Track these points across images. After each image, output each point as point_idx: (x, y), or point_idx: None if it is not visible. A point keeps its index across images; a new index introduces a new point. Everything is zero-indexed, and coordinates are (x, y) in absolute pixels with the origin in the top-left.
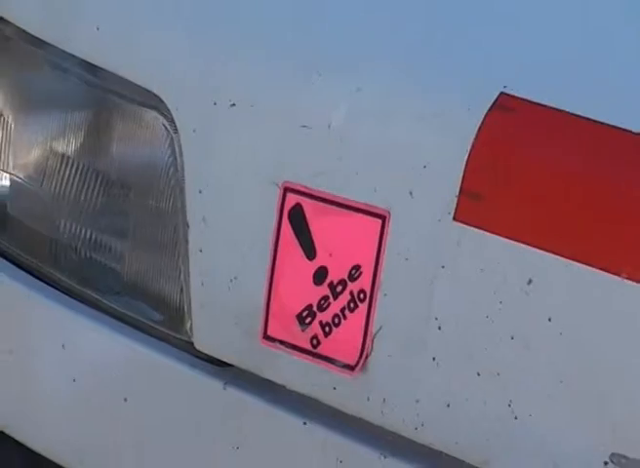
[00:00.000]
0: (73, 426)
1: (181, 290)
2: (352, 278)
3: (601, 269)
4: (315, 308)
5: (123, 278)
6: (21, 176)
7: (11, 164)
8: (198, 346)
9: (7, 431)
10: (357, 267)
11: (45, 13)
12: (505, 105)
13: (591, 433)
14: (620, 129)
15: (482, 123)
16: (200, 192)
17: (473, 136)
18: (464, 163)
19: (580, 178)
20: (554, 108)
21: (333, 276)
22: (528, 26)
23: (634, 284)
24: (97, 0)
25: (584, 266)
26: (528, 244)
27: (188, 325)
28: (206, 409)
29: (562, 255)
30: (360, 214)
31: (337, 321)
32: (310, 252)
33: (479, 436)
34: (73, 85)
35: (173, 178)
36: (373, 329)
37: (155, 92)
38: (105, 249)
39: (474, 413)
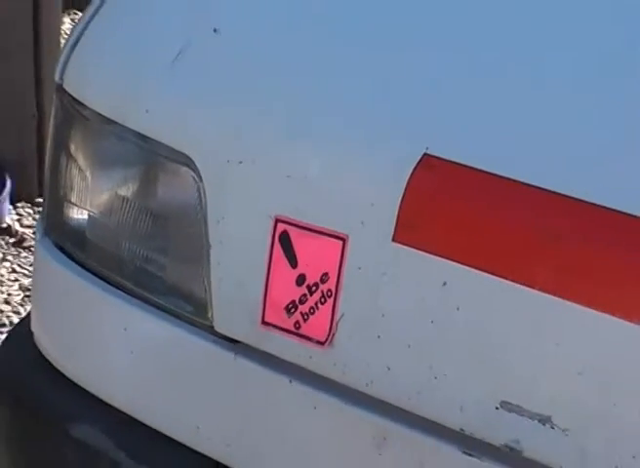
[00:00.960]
0: (131, 383)
1: (205, 290)
2: (323, 281)
3: (490, 273)
4: (297, 302)
5: (166, 282)
6: (96, 212)
7: (89, 203)
8: (217, 329)
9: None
10: (326, 274)
11: (111, 100)
12: (427, 164)
13: (486, 385)
14: (517, 181)
15: (410, 177)
16: (218, 222)
17: (405, 185)
18: (399, 204)
19: (479, 219)
20: (467, 166)
21: (309, 280)
22: (447, 93)
23: (510, 283)
24: (146, 92)
25: (480, 272)
26: (442, 257)
27: (210, 314)
28: (223, 373)
29: (467, 265)
30: (328, 237)
31: (312, 311)
32: (294, 263)
33: (413, 389)
34: (131, 149)
35: (199, 213)
36: (337, 316)
37: (187, 154)
38: (154, 262)
39: (407, 374)
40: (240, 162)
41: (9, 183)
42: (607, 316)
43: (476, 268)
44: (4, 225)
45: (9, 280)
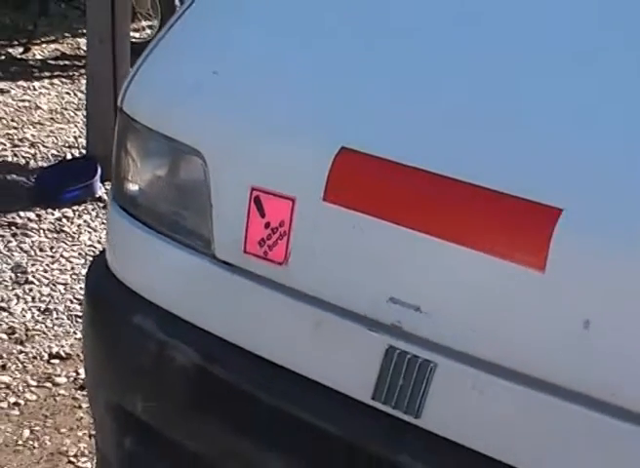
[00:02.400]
0: (167, 289)
1: (210, 232)
2: (281, 226)
3: (382, 219)
4: (265, 239)
5: (186, 228)
6: (142, 185)
7: (138, 180)
8: (218, 256)
9: (139, 292)
10: (282, 221)
11: (151, 118)
12: (344, 152)
13: (382, 287)
14: (398, 162)
15: (333, 160)
16: (217, 191)
17: (330, 165)
18: (326, 177)
19: (375, 186)
20: (369, 154)
21: (272, 225)
22: (357, 100)
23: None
24: (172, 113)
25: (376, 219)
26: (354, 210)
27: (213, 247)
28: (222, 284)
29: (368, 214)
30: (283, 199)
31: (274, 244)
32: (263, 215)
33: (337, 290)
34: (163, 147)
35: (205, 185)
36: (290, 248)
37: (198, 149)
38: (178, 215)
39: (333, 281)
40: (228, 155)
41: (99, 169)
42: (450, 243)
43: (373, 216)
44: (97, 196)
45: (101, 229)
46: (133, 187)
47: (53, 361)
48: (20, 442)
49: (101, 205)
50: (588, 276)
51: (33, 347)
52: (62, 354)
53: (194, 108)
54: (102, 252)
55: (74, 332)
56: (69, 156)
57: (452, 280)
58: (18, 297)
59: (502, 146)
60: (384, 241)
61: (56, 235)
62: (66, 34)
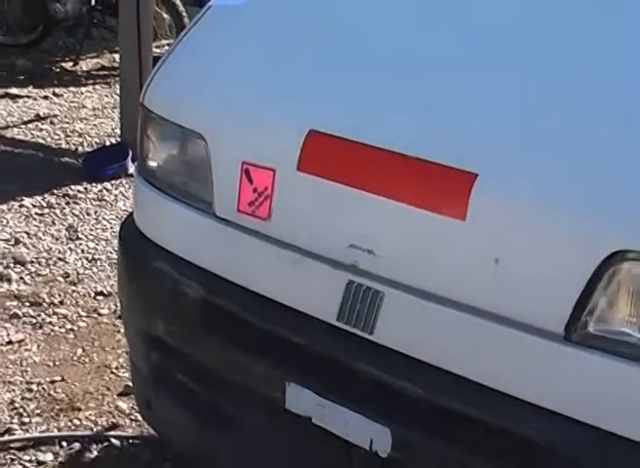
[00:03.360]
0: (178, 239)
1: (211, 196)
2: (265, 190)
3: (337, 181)
4: (253, 201)
5: (193, 194)
6: (160, 162)
7: (157, 158)
8: (218, 214)
9: (158, 243)
10: (266, 187)
11: (166, 110)
12: (314, 132)
13: (343, 237)
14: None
15: (305, 138)
16: (216, 165)
17: (302, 141)
18: (300, 151)
19: (336, 158)
20: (332, 134)
21: (259, 190)
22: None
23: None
24: (181, 106)
25: (332, 182)
26: (321, 177)
27: (214, 207)
28: (222, 236)
29: (328, 179)
30: (266, 170)
31: (260, 204)
32: (251, 182)
33: (309, 236)
34: (175, 132)
35: (207, 161)
36: (273, 207)
37: (201, 133)
38: (187, 184)
39: (304, 222)
40: (224, 137)
41: (130, 152)
42: (394, 201)
43: (335, 181)
44: (129, 173)
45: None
46: (152, 163)
47: (98, 297)
48: (74, 358)
49: (133, 180)
50: (498, 225)
51: (83, 287)
52: (105, 292)
53: (198, 103)
54: (131, 214)
55: (114, 276)
56: (108, 143)
57: (396, 229)
58: (71, 250)
59: (433, 126)
60: (344, 200)
61: (98, 203)
62: (105, 51)
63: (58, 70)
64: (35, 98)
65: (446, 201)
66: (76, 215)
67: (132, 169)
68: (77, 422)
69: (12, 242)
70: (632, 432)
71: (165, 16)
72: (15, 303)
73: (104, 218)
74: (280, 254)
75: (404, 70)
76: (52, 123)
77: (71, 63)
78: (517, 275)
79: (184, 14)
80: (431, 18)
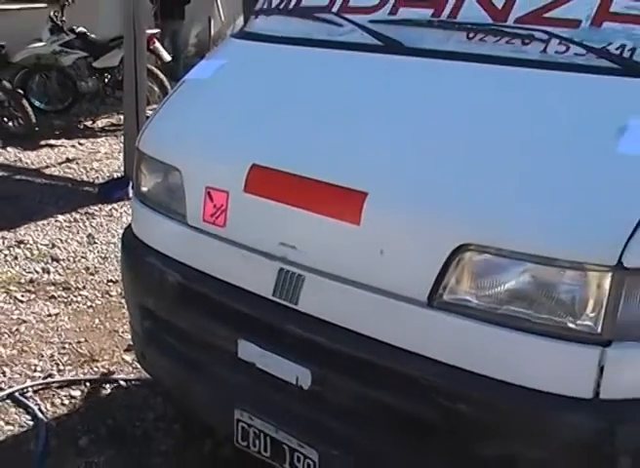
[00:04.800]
0: (163, 241)
1: (185, 209)
2: (222, 206)
3: (272, 199)
4: (214, 213)
5: (171, 208)
6: (149, 188)
7: (146, 185)
8: (189, 223)
9: (150, 244)
10: (222, 204)
11: (154, 151)
12: (256, 165)
13: (276, 237)
14: (284, 171)
15: (249, 168)
16: (188, 189)
17: (247, 171)
18: (245, 178)
19: (272, 182)
20: (269, 167)
21: (217, 206)
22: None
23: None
24: (163, 149)
25: (268, 200)
26: (260, 196)
27: (186, 218)
28: (193, 241)
29: (264, 197)
30: (222, 192)
31: (219, 215)
32: (212, 200)
33: (253, 239)
34: (159, 166)
35: (181, 187)
36: (227, 218)
37: (178, 168)
38: (168, 201)
39: (251, 233)
40: (193, 170)
41: (131, 182)
42: (310, 212)
43: (270, 199)
44: (130, 197)
45: None
46: (144, 189)
47: (109, 283)
48: (94, 325)
49: (131, 201)
50: (382, 227)
51: (99, 276)
52: (114, 280)
53: (175, 146)
54: (130, 224)
55: (120, 268)
56: (115, 176)
57: (312, 232)
58: (89, 251)
59: (337, 160)
60: (276, 212)
61: (109, 218)
62: (114, 113)
63: (81, 127)
64: (66, 147)
65: (346, 212)
66: (94, 227)
67: (131, 194)
68: (96, 369)
69: (50, 246)
70: (474, 366)
71: (155, 88)
72: (52, 288)
73: (113, 229)
74: (233, 251)
75: (317, 121)
76: (77, 163)
77: (91, 122)
78: (395, 261)
79: (168, 86)
80: (340, 82)
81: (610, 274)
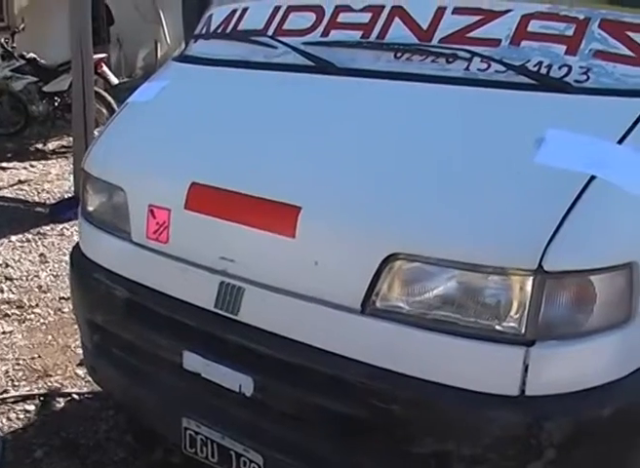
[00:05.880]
0: (108, 259)
1: (129, 227)
2: (164, 223)
3: (211, 215)
4: (157, 230)
5: (118, 226)
6: (95, 207)
7: (92, 205)
8: (134, 240)
9: (95, 261)
10: (165, 221)
11: (98, 172)
12: (195, 184)
13: (217, 252)
14: (220, 188)
15: (189, 186)
16: (132, 209)
17: (187, 188)
18: (185, 197)
19: (209, 199)
20: (207, 184)
21: (160, 223)
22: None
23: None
24: (108, 169)
25: (207, 216)
26: (199, 212)
27: (131, 235)
28: (137, 256)
29: (204, 214)
30: (164, 210)
31: (162, 231)
32: (155, 218)
33: (196, 258)
34: (103, 186)
35: (125, 205)
36: (170, 234)
37: (122, 187)
38: (113, 222)
39: (195, 251)
40: (136, 189)
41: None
42: (247, 227)
43: (210, 215)
44: None
45: None
46: (90, 208)
47: (61, 300)
48: (46, 342)
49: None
50: (317, 239)
51: (51, 294)
52: (66, 297)
53: (119, 167)
54: (78, 243)
55: None
56: (66, 196)
57: (250, 245)
58: (42, 270)
59: (272, 177)
60: (216, 228)
61: (60, 237)
62: (64, 136)
63: (33, 149)
64: (18, 169)
65: (282, 225)
66: (46, 246)
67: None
68: (50, 384)
69: (3, 265)
70: (407, 368)
71: (103, 110)
72: (6, 306)
73: (65, 248)
74: (175, 266)
75: (253, 140)
76: (29, 185)
77: (42, 144)
78: (329, 271)
79: (116, 108)
80: (274, 102)
81: (531, 277)
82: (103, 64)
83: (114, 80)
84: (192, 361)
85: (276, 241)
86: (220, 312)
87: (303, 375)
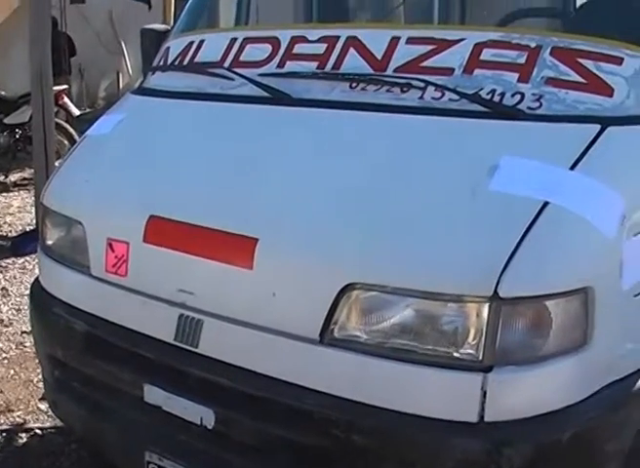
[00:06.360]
0: (68, 293)
1: (88, 260)
2: (123, 257)
3: (170, 248)
4: (116, 264)
5: (76, 260)
6: (53, 241)
7: (50, 239)
8: (92, 273)
9: (57, 296)
10: (123, 255)
11: (57, 206)
12: (153, 217)
13: (175, 285)
14: (179, 221)
15: (147, 219)
16: (91, 242)
17: (145, 222)
18: (144, 229)
19: (168, 232)
20: (166, 217)
21: (119, 256)
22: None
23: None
24: (66, 203)
25: (166, 249)
26: (157, 246)
27: (90, 269)
28: (96, 289)
29: (163, 247)
30: (122, 243)
31: (120, 265)
32: (114, 251)
33: (156, 289)
34: (63, 220)
35: (84, 239)
36: (128, 268)
37: (81, 221)
38: (71, 255)
39: (153, 282)
40: (95, 223)
41: None
42: (205, 259)
43: (168, 248)
44: None
45: None
46: (49, 242)
47: (23, 334)
48: (9, 376)
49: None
50: (274, 270)
51: (13, 328)
52: (28, 331)
53: (77, 201)
54: (38, 277)
55: None
56: (28, 229)
57: (208, 277)
58: (3, 304)
59: (229, 209)
60: (174, 260)
61: (22, 270)
62: (26, 168)
63: None
64: None
65: (239, 257)
66: (7, 280)
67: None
68: (12, 420)
69: None
70: (367, 397)
71: (65, 141)
72: None
73: (27, 281)
74: (134, 299)
75: (210, 172)
76: None
77: (3, 177)
78: (287, 302)
79: (78, 139)
80: (231, 134)
81: (487, 304)
82: (64, 96)
83: (75, 111)
84: (153, 394)
85: (234, 273)
86: (179, 345)
87: (264, 407)
